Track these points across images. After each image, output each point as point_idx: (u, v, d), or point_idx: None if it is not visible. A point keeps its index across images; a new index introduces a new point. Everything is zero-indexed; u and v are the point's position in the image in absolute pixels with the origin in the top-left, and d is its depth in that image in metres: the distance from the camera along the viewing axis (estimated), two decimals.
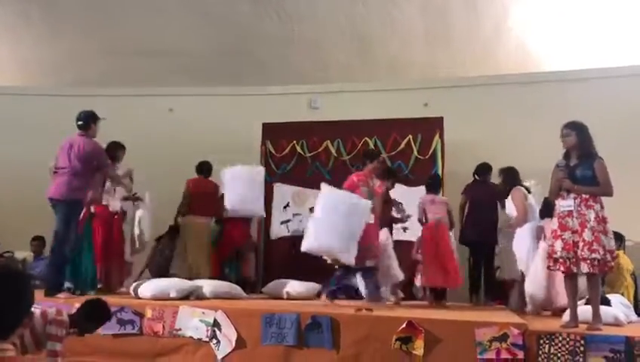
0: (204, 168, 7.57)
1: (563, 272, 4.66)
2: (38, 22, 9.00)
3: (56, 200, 5.69)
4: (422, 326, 4.41)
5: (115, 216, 6.59)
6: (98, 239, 6.33)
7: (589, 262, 4.39)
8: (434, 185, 6.69)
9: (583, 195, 4.53)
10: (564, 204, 4.60)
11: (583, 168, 4.60)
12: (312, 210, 7.69)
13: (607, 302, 4.98)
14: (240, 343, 4.77)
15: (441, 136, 7.51)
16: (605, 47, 8.06)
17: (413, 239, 6.90)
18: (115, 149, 6.55)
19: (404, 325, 4.41)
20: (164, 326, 5.02)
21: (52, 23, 8.93)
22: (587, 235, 4.42)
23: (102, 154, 5.95)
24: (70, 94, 9.71)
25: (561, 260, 4.55)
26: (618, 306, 5.09)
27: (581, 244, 4.43)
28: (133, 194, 6.78)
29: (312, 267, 6.98)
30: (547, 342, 4.26)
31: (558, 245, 4.55)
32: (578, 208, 4.51)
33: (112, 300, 5.32)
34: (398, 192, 7.46)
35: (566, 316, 4.71)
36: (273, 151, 8.08)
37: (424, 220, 6.37)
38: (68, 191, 5.66)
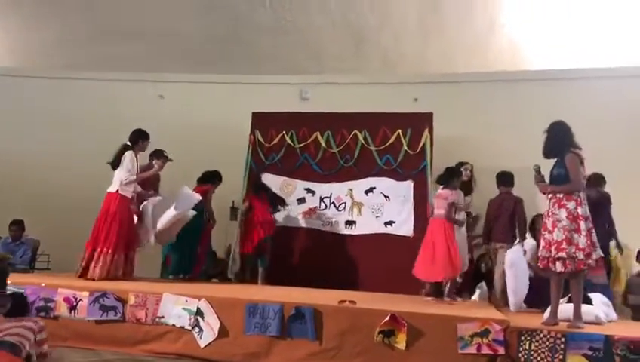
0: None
1: (542, 269, 4.79)
2: (27, 3, 8.84)
3: None
4: (405, 319, 4.43)
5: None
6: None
7: (560, 261, 4.48)
8: (442, 177, 6.31)
9: (558, 195, 4.58)
10: (546, 205, 4.72)
11: (557, 166, 4.68)
12: (299, 200, 7.80)
13: (588, 301, 5.03)
14: (223, 332, 4.77)
15: (431, 132, 7.51)
16: (595, 47, 8.08)
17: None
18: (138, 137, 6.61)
19: (387, 318, 4.43)
20: (146, 314, 5.01)
21: (41, 4, 8.77)
22: (557, 235, 4.51)
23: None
24: (58, 77, 9.66)
25: (541, 258, 4.69)
26: (599, 305, 5.13)
27: (552, 243, 4.51)
28: None
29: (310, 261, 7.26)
30: (528, 338, 4.30)
31: (541, 244, 4.69)
32: (552, 208, 4.60)
33: (94, 285, 5.36)
34: (385, 185, 7.54)
35: (547, 313, 4.75)
36: (262, 141, 8.04)
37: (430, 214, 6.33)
38: None
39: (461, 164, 6.80)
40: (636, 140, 7.63)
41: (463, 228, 6.28)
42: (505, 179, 6.54)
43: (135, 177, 6.38)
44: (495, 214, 6.41)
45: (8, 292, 4.00)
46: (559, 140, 4.67)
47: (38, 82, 9.65)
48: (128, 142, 6.48)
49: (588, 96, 8.00)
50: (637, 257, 6.63)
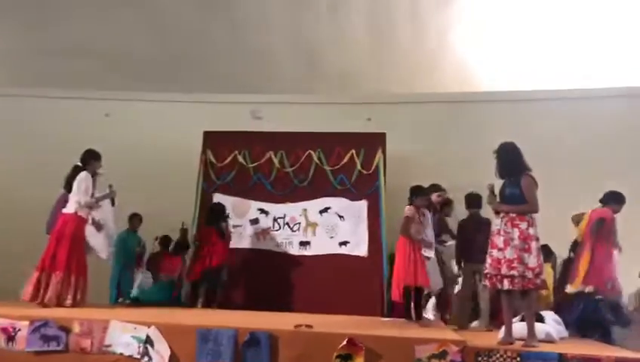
0: None
1: (490, 287, 4.87)
2: None
3: None
4: (362, 342, 4.36)
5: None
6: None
7: (509, 278, 4.55)
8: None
9: (511, 214, 4.65)
10: (495, 223, 4.79)
11: (511, 187, 4.76)
12: (252, 221, 7.67)
13: (540, 319, 5.10)
14: (173, 360, 4.55)
15: (384, 152, 7.57)
16: (545, 69, 8.36)
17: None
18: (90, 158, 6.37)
19: (344, 342, 4.35)
20: (92, 342, 4.74)
21: None
22: (509, 253, 4.59)
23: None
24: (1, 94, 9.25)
25: (489, 276, 4.73)
26: (550, 323, 5.22)
27: (503, 261, 4.56)
28: None
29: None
30: (485, 358, 4.31)
31: (488, 261, 4.75)
32: (504, 227, 4.66)
33: (35, 314, 5.05)
34: (340, 205, 7.51)
35: (502, 332, 4.78)
36: (214, 161, 7.89)
37: None
38: None
39: (434, 186, 6.60)
40: (586, 161, 7.89)
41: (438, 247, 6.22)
42: (475, 200, 6.49)
43: (94, 199, 6.22)
44: (473, 236, 6.29)
45: None
46: (513, 161, 4.78)
47: None
48: (79, 163, 6.26)
49: (538, 118, 8.27)
50: None
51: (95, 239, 6.41)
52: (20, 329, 4.80)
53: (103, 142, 8.62)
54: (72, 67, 8.81)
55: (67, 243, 5.97)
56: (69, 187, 6.16)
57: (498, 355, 4.30)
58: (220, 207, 7.39)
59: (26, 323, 4.81)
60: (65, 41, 8.49)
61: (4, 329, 4.81)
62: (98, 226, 6.43)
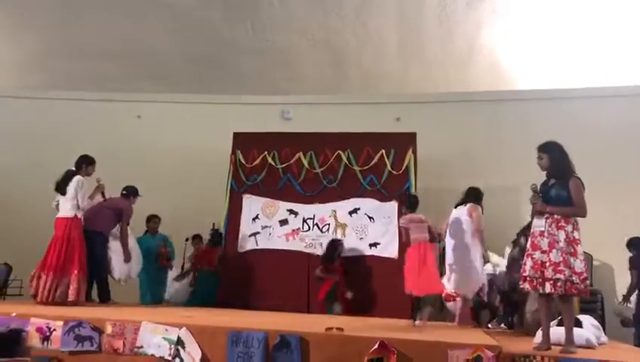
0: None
1: (530, 290, 4.66)
2: (1, 21, 8.62)
3: None
4: (394, 346, 4.29)
5: None
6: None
7: (552, 282, 4.37)
8: (415, 203, 6.11)
9: (556, 216, 4.50)
10: (537, 224, 4.60)
11: (557, 188, 4.58)
12: (281, 222, 7.64)
13: (578, 323, 4.94)
14: None
15: (414, 152, 7.46)
16: (575, 67, 8.17)
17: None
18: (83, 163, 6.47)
19: (376, 346, 4.28)
20: (124, 344, 4.77)
21: (16, 21, 8.55)
22: (554, 256, 4.40)
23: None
24: (32, 97, 9.43)
25: (529, 278, 4.54)
26: (589, 328, 5.05)
27: (547, 264, 4.41)
28: None
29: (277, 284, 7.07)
30: None
31: (528, 264, 4.55)
32: (549, 228, 4.49)
33: (69, 313, 5.12)
34: (369, 206, 7.43)
35: (538, 337, 4.65)
36: (243, 161, 7.90)
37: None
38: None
39: (474, 190, 6.30)
40: (616, 159, 7.67)
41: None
42: None
43: (86, 202, 6.38)
44: None
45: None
46: (565, 162, 4.62)
47: (11, 101, 9.42)
48: (73, 168, 6.39)
49: (568, 116, 8.06)
50: None
51: (116, 257, 6.71)
52: (54, 329, 4.86)
53: (135, 143, 8.81)
54: (103, 70, 8.96)
55: (76, 243, 6.20)
56: (62, 190, 6.28)
57: (535, 361, 4.17)
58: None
59: (60, 323, 4.87)
60: (96, 45, 8.64)
61: (40, 329, 4.87)
62: (128, 257, 6.76)
